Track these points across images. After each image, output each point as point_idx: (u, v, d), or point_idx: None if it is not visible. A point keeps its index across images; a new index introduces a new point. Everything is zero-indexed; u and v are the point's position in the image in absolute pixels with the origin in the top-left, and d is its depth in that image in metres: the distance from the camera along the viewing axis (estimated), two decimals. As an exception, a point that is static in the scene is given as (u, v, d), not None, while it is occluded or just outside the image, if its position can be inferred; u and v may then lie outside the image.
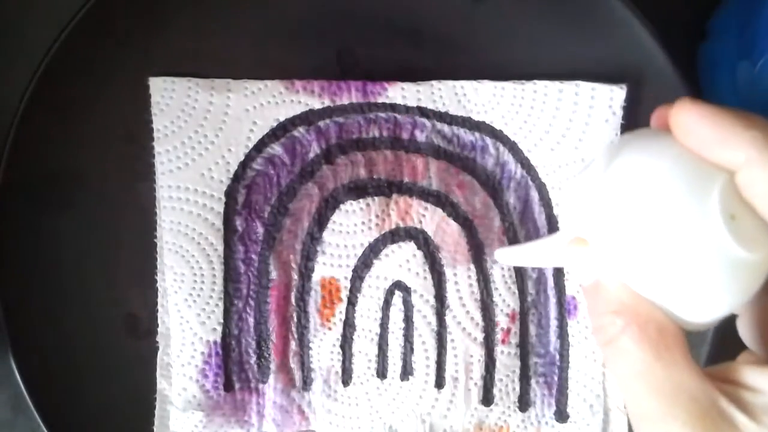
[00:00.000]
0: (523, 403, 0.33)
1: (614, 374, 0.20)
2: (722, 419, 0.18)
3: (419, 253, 0.32)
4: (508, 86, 0.31)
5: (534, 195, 0.32)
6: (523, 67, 0.32)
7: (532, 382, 0.33)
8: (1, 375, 0.34)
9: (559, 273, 0.32)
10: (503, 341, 0.32)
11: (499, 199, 0.32)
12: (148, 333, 0.32)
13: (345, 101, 0.32)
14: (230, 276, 0.32)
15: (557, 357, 0.32)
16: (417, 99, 0.32)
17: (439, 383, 0.32)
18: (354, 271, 0.32)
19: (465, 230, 0.32)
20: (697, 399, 0.18)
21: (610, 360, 0.20)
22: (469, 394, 0.32)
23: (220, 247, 0.32)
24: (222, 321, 0.32)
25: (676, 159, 0.19)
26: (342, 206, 0.32)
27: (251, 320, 0.32)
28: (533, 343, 0.33)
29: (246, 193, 0.32)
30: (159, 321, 0.32)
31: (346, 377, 0.32)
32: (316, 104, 0.32)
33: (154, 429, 0.32)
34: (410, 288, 0.32)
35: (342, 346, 0.32)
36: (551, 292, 0.32)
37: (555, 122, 0.31)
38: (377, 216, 0.32)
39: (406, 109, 0.32)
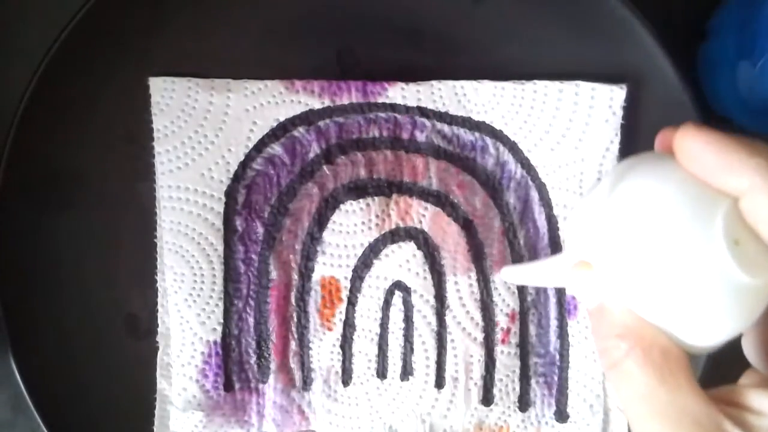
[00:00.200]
0: (523, 403, 0.33)
1: (619, 397, 0.20)
2: None
3: (419, 253, 0.32)
4: (508, 86, 0.31)
5: (534, 195, 0.32)
6: (523, 67, 0.32)
7: (532, 382, 0.33)
8: (1, 375, 0.34)
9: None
10: (503, 341, 0.32)
11: (499, 199, 0.32)
12: (148, 333, 0.32)
13: (345, 101, 0.32)
14: (230, 276, 0.32)
15: (557, 357, 0.32)
16: (417, 99, 0.32)
17: (439, 383, 0.32)
18: (354, 271, 0.32)
19: (465, 230, 0.32)
20: (701, 422, 0.18)
21: (614, 383, 0.20)
22: (469, 394, 0.32)
23: (220, 247, 0.32)
24: (222, 321, 0.32)
25: (680, 184, 0.20)
26: (342, 206, 0.32)
27: (251, 320, 0.32)
28: (533, 343, 0.33)
29: (246, 193, 0.32)
30: (159, 321, 0.32)
31: (346, 377, 0.32)
32: (316, 104, 0.32)
33: (154, 429, 0.32)
34: (410, 288, 0.32)
35: (342, 346, 0.32)
36: (551, 292, 0.32)
37: (555, 122, 0.31)
38: (377, 216, 0.32)
39: (406, 109, 0.32)
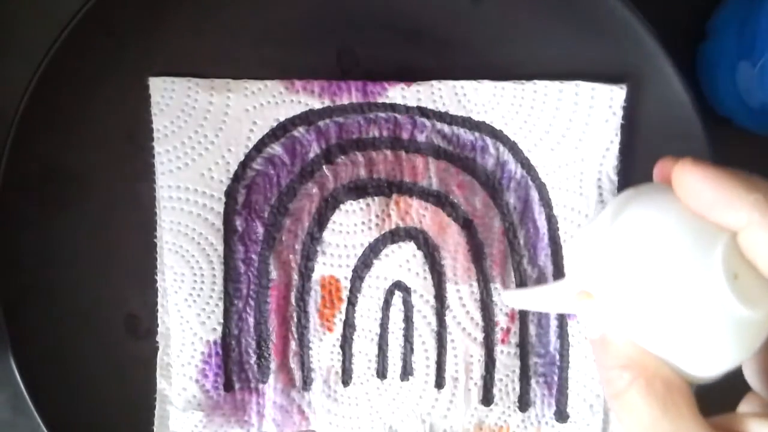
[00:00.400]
0: (523, 403, 0.33)
1: (622, 426, 0.20)
2: None
3: (419, 253, 0.32)
4: (508, 86, 0.31)
5: (534, 195, 0.32)
6: (523, 67, 0.32)
7: (532, 382, 0.33)
8: (1, 375, 0.34)
9: (559, 273, 0.32)
10: (503, 341, 0.32)
11: (499, 199, 0.32)
12: (148, 333, 0.32)
13: (345, 101, 0.32)
14: (230, 276, 0.32)
15: (557, 357, 0.32)
16: (417, 99, 0.32)
17: (439, 383, 0.32)
18: (354, 271, 0.32)
19: (465, 230, 0.32)
20: None
21: (617, 413, 0.20)
22: (469, 394, 0.32)
23: (220, 247, 0.32)
24: (222, 321, 0.32)
25: (680, 216, 0.20)
26: (342, 206, 0.32)
27: (251, 320, 0.32)
28: (533, 343, 0.33)
29: (246, 193, 0.32)
30: (159, 321, 0.32)
31: (346, 377, 0.32)
32: (316, 104, 0.32)
33: (154, 429, 0.32)
34: (410, 288, 0.32)
35: (342, 346, 0.32)
36: (551, 292, 0.32)
37: (555, 122, 0.31)
38: (377, 216, 0.32)
39: (406, 109, 0.32)
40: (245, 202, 0.32)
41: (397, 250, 0.32)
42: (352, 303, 0.32)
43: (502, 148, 0.32)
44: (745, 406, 0.21)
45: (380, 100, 0.32)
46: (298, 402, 0.32)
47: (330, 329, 0.32)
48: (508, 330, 0.32)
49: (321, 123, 0.32)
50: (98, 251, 0.32)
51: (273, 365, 0.32)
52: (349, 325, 0.32)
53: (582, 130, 0.31)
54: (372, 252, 0.32)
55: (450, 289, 0.32)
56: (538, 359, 0.33)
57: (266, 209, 0.32)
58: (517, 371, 0.33)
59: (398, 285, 0.32)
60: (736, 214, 0.19)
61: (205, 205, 0.32)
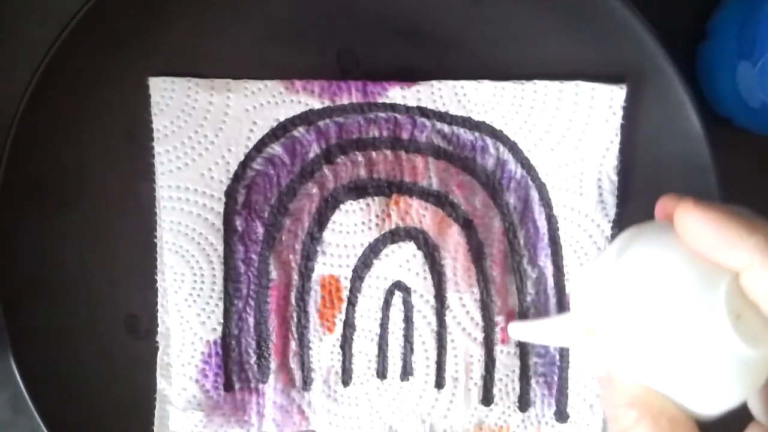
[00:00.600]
0: (523, 403, 0.33)
1: None
2: None
3: (419, 253, 0.32)
4: (508, 86, 0.31)
5: (534, 195, 0.32)
6: (523, 67, 0.32)
7: (532, 382, 0.33)
8: (1, 375, 0.34)
9: (558, 273, 0.32)
10: (503, 341, 0.32)
11: (499, 199, 0.32)
12: (148, 333, 0.32)
13: (345, 101, 0.32)
14: (230, 276, 0.32)
15: (557, 357, 0.32)
16: (417, 99, 0.32)
17: (439, 383, 0.32)
18: (354, 271, 0.32)
19: (465, 230, 0.32)
20: None
21: None
22: (469, 394, 0.32)
23: (220, 247, 0.32)
24: (222, 321, 0.32)
25: (683, 256, 0.20)
26: (342, 206, 0.32)
27: (251, 320, 0.32)
28: (533, 343, 0.33)
29: (246, 193, 0.32)
30: (159, 321, 0.32)
31: (346, 377, 0.32)
32: (316, 104, 0.32)
33: (154, 429, 0.32)
34: (410, 288, 0.32)
35: (342, 347, 0.32)
36: (551, 292, 0.32)
37: (555, 122, 0.31)
38: (377, 216, 0.32)
39: (406, 109, 0.32)
40: (245, 202, 0.32)
41: (397, 250, 0.32)
42: (352, 303, 0.32)
43: (502, 148, 0.32)
44: None
45: (380, 100, 0.32)
46: (298, 402, 0.32)
47: (330, 329, 0.32)
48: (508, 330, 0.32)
49: (321, 123, 0.32)
50: (98, 251, 0.32)
51: (273, 365, 0.32)
52: (349, 325, 0.32)
53: (582, 130, 0.31)
54: (372, 252, 0.32)
55: (450, 289, 0.32)
56: (538, 359, 0.33)
57: (266, 209, 0.32)
58: (517, 371, 0.33)
59: (398, 285, 0.32)
60: (738, 257, 0.19)
61: (205, 205, 0.32)
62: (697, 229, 0.20)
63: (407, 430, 0.32)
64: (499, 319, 0.32)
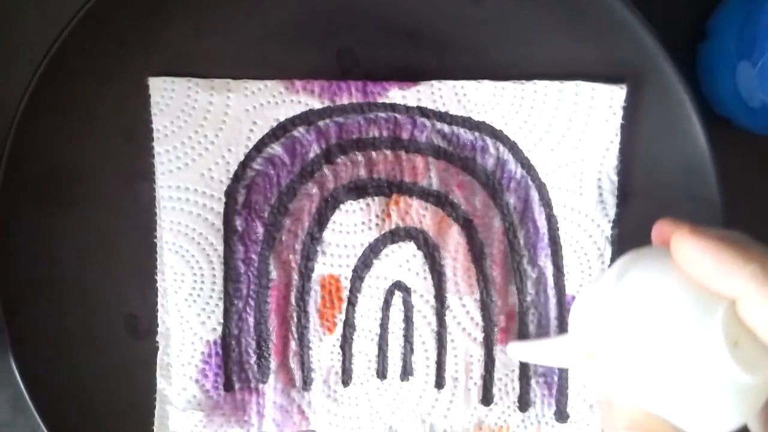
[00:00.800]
0: (523, 403, 0.33)
1: None
2: None
3: (419, 253, 0.32)
4: (508, 86, 0.31)
5: (534, 195, 0.32)
6: (523, 67, 0.32)
7: (532, 382, 0.33)
8: (1, 375, 0.34)
9: (558, 273, 0.32)
10: (502, 341, 0.32)
11: (499, 199, 0.32)
12: (148, 333, 0.32)
13: (345, 101, 0.32)
14: (230, 276, 0.32)
15: (557, 357, 0.32)
16: (417, 99, 0.32)
17: (439, 383, 0.32)
18: (354, 271, 0.32)
19: (465, 230, 0.32)
20: None
21: None
22: (468, 393, 0.32)
23: (220, 247, 0.32)
24: (222, 321, 0.32)
25: (680, 282, 0.20)
26: (342, 206, 0.32)
27: (251, 320, 0.32)
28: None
29: (246, 193, 0.32)
30: (159, 321, 0.32)
31: (346, 377, 0.32)
32: (316, 104, 0.32)
33: (154, 429, 0.32)
34: (410, 288, 0.32)
35: (342, 347, 0.32)
36: (551, 292, 0.32)
37: (555, 122, 0.31)
38: (377, 216, 0.32)
39: (406, 109, 0.32)
40: (245, 202, 0.32)
41: (397, 250, 0.32)
42: (352, 303, 0.32)
43: (502, 148, 0.32)
44: None
45: (380, 100, 0.32)
46: (298, 402, 0.32)
47: (330, 329, 0.32)
48: (508, 329, 0.32)
49: (321, 123, 0.32)
50: (98, 251, 0.32)
51: (273, 365, 0.32)
52: (349, 325, 0.32)
53: (582, 130, 0.31)
54: (372, 252, 0.32)
55: (450, 289, 0.32)
56: (538, 359, 0.33)
57: (266, 209, 0.32)
58: (517, 371, 0.33)
59: (398, 285, 0.32)
60: (735, 285, 0.19)
61: (205, 205, 0.32)
62: (693, 257, 0.20)
63: (407, 430, 0.32)
64: (499, 319, 0.32)
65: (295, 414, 0.32)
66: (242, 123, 0.32)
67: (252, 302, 0.32)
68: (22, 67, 0.31)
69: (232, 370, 0.32)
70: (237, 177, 0.32)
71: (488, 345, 0.32)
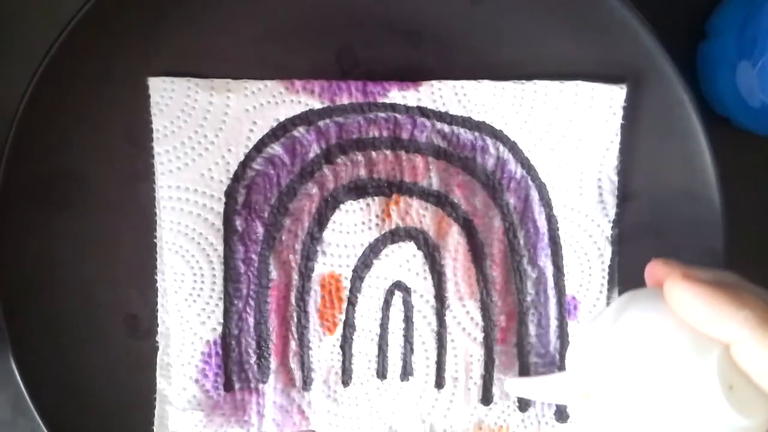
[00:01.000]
0: (523, 402, 0.33)
1: None
2: None
3: (419, 253, 0.32)
4: (508, 86, 0.31)
5: (534, 195, 0.32)
6: (523, 67, 0.32)
7: (532, 382, 0.33)
8: (1, 375, 0.34)
9: (558, 273, 0.32)
10: (502, 341, 0.32)
11: (499, 199, 0.32)
12: (148, 333, 0.32)
13: (345, 101, 0.32)
14: (230, 276, 0.32)
15: (557, 357, 0.32)
16: (417, 99, 0.32)
17: (439, 383, 0.32)
18: (354, 271, 0.32)
19: (465, 230, 0.32)
20: None
21: None
22: (468, 393, 0.32)
23: (220, 247, 0.32)
24: (222, 321, 0.32)
25: (676, 324, 0.21)
26: (342, 206, 0.32)
27: (251, 320, 0.32)
28: (533, 343, 0.33)
29: (246, 193, 0.32)
30: (159, 321, 0.32)
31: (346, 377, 0.32)
32: (316, 104, 0.32)
33: (154, 429, 0.32)
34: (410, 288, 0.32)
35: (342, 347, 0.32)
36: (551, 292, 0.32)
37: (555, 122, 0.31)
38: (377, 216, 0.32)
39: (406, 109, 0.32)
40: (245, 202, 0.32)
41: (397, 250, 0.32)
42: (352, 303, 0.32)
43: (502, 148, 0.32)
44: None
45: (380, 100, 0.32)
46: (298, 402, 0.32)
47: (330, 329, 0.32)
48: (508, 329, 0.32)
49: (321, 123, 0.32)
50: (98, 251, 0.32)
51: (273, 365, 0.32)
52: (349, 325, 0.32)
53: (582, 130, 0.31)
54: (372, 252, 0.32)
55: (450, 289, 0.32)
56: (538, 359, 0.33)
57: (266, 209, 0.32)
58: (517, 371, 0.32)
59: (398, 285, 0.32)
60: (728, 330, 0.19)
61: (205, 205, 0.32)
62: (686, 302, 0.20)
63: (407, 430, 0.32)
64: (500, 319, 0.32)
65: (295, 414, 0.32)
66: (242, 123, 0.32)
67: (252, 302, 0.32)
68: (22, 67, 0.31)
69: (232, 370, 0.32)
70: (237, 177, 0.32)
71: (488, 345, 0.32)
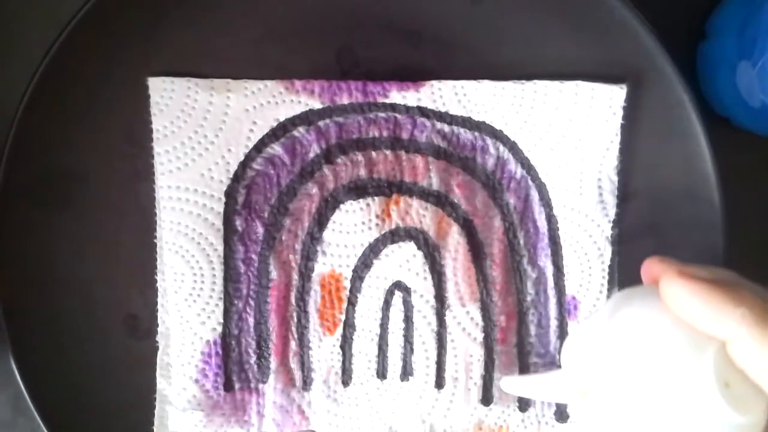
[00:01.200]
0: (523, 402, 0.33)
1: None
2: None
3: (419, 253, 0.32)
4: (508, 86, 0.31)
5: (534, 195, 0.32)
6: (523, 67, 0.32)
7: (532, 382, 0.33)
8: (1, 375, 0.34)
9: (558, 273, 0.32)
10: (502, 341, 0.32)
11: (499, 199, 0.32)
12: (148, 333, 0.32)
13: (345, 101, 0.32)
14: (230, 276, 0.32)
15: (557, 357, 0.32)
16: (417, 99, 0.32)
17: (439, 383, 0.32)
18: (354, 271, 0.32)
19: (465, 230, 0.32)
20: None
21: None
22: (468, 393, 0.32)
23: (220, 247, 0.32)
24: (222, 321, 0.32)
25: (672, 322, 0.20)
26: (342, 206, 0.32)
27: (251, 320, 0.32)
28: (533, 343, 0.33)
29: (246, 193, 0.32)
30: (159, 321, 0.32)
31: (346, 377, 0.32)
32: (316, 104, 0.32)
33: (154, 429, 0.32)
34: (410, 288, 0.32)
35: (342, 347, 0.32)
36: (551, 292, 0.32)
37: (555, 122, 0.31)
38: (377, 216, 0.32)
39: (406, 109, 0.32)
40: (245, 202, 0.32)
41: (397, 250, 0.32)
42: (352, 303, 0.32)
43: (502, 148, 0.32)
44: None
45: (380, 100, 0.32)
46: (298, 402, 0.32)
47: (330, 329, 0.32)
48: (508, 329, 0.32)
49: (321, 123, 0.32)
50: (98, 251, 0.32)
51: (273, 365, 0.32)
52: (349, 325, 0.32)
53: (582, 130, 0.31)
54: (372, 252, 0.32)
55: (450, 289, 0.32)
56: (538, 359, 0.33)
57: (266, 209, 0.32)
58: (517, 371, 0.32)
59: (398, 285, 0.32)
60: (725, 328, 0.19)
61: (205, 205, 0.32)
62: (682, 299, 0.20)
63: (407, 430, 0.32)
64: (500, 319, 0.32)
65: (295, 414, 0.32)
66: (242, 123, 0.32)
67: (252, 302, 0.32)
68: (22, 67, 0.31)
69: (232, 370, 0.32)
70: (237, 177, 0.32)
71: (488, 345, 0.32)
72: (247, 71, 0.31)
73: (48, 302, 0.32)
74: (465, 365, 0.32)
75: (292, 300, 0.32)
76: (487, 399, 0.32)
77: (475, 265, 0.32)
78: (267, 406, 0.32)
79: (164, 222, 0.32)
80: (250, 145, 0.32)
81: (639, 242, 0.32)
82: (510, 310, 0.32)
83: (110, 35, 0.31)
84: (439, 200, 0.32)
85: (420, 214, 0.32)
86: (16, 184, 0.31)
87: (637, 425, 0.20)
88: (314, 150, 0.32)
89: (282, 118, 0.32)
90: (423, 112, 0.32)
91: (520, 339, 0.33)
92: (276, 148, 0.32)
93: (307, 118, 0.32)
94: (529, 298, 0.33)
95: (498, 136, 0.32)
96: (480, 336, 0.32)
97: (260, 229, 0.32)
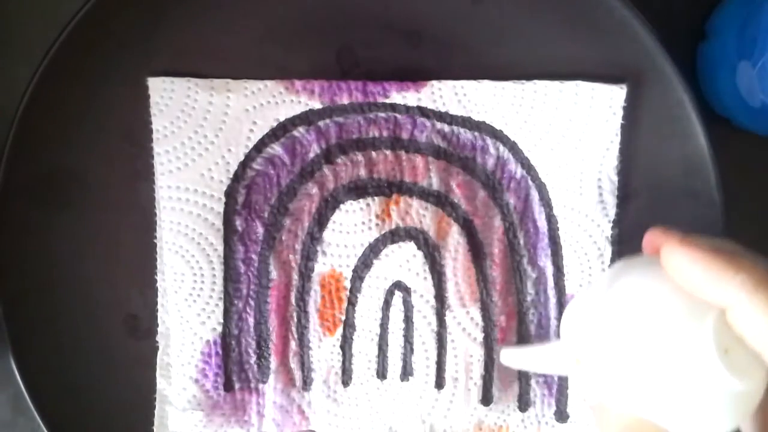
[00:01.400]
0: (523, 402, 0.33)
1: None
2: None
3: (419, 253, 0.32)
4: (508, 86, 0.31)
5: (534, 195, 0.32)
6: (523, 67, 0.32)
7: (532, 381, 0.33)
8: (1, 375, 0.34)
9: (559, 273, 0.32)
10: (502, 341, 0.32)
11: (499, 199, 0.32)
12: (148, 333, 0.32)
13: (345, 101, 0.32)
14: (230, 276, 0.32)
15: (557, 357, 0.32)
16: (417, 99, 0.32)
17: (439, 383, 0.32)
18: (354, 271, 0.32)
19: (465, 230, 0.32)
20: None
21: None
22: (468, 393, 0.32)
23: (220, 247, 0.32)
24: (222, 321, 0.32)
25: (671, 289, 0.21)
26: (342, 206, 0.32)
27: (251, 320, 0.32)
28: (533, 343, 0.33)
29: (246, 193, 0.32)
30: (159, 321, 0.32)
31: (346, 378, 0.32)
32: (316, 104, 0.32)
33: (154, 429, 0.32)
34: (410, 288, 0.32)
35: (342, 347, 0.32)
36: (551, 292, 0.32)
37: (555, 122, 0.31)
38: (377, 216, 0.32)
39: (406, 109, 0.32)
40: (245, 202, 0.32)
41: (397, 250, 0.32)
42: (352, 303, 0.32)
43: (502, 147, 0.32)
44: None
45: (380, 100, 0.32)
46: (298, 402, 0.32)
47: (330, 329, 0.32)
48: (508, 329, 0.32)
49: (321, 123, 0.32)
50: (98, 251, 0.32)
51: (273, 365, 0.32)
52: (349, 325, 0.32)
53: (582, 130, 0.31)
54: (372, 252, 0.32)
55: (450, 289, 0.32)
56: (538, 359, 0.33)
57: (266, 209, 0.32)
58: (517, 371, 0.33)
59: (398, 285, 0.32)
60: (724, 294, 0.19)
61: (205, 205, 0.32)
62: (683, 266, 0.20)
63: (407, 430, 0.32)
64: (500, 319, 0.32)
65: (295, 414, 0.32)
66: (242, 123, 0.32)
67: (252, 302, 0.32)
68: (22, 67, 0.31)
69: (232, 370, 0.32)
70: (237, 177, 0.32)
71: (488, 345, 0.32)
72: (247, 71, 0.31)
73: (48, 302, 0.32)
74: (465, 365, 0.32)
75: (292, 300, 0.32)
76: (487, 399, 0.32)
77: (475, 265, 0.32)
78: (267, 406, 0.32)
79: (164, 222, 0.32)
80: (250, 145, 0.32)
81: (639, 242, 0.32)
82: (510, 310, 0.32)
83: (110, 35, 0.31)
84: (439, 200, 0.32)
85: (420, 214, 0.32)
86: (15, 184, 0.31)
87: (636, 392, 0.20)
88: (314, 150, 0.32)
89: (282, 118, 0.32)
90: (423, 112, 0.32)
91: (520, 339, 0.33)
92: (276, 148, 0.32)
93: (307, 118, 0.32)
94: (529, 298, 0.33)
95: (498, 136, 0.32)
96: (480, 336, 0.32)
97: (260, 229, 0.32)
